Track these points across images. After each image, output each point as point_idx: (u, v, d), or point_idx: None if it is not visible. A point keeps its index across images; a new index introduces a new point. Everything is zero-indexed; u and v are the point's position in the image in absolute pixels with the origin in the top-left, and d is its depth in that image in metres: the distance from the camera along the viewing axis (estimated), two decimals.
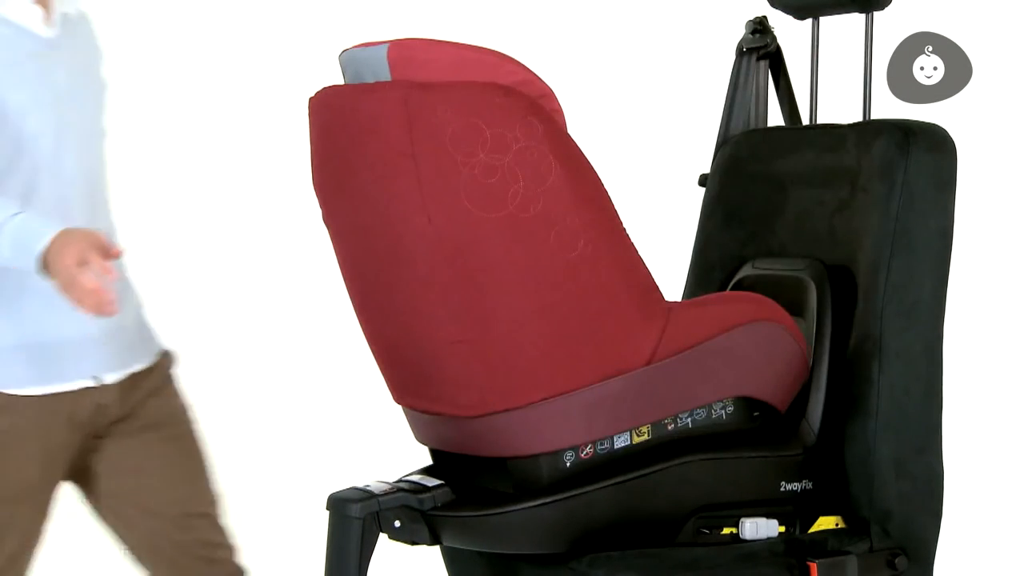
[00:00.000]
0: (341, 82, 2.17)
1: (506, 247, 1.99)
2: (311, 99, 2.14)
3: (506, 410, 2.06)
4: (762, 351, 2.19)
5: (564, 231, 2.00)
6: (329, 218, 2.16)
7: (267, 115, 4.11)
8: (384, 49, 2.02)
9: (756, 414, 2.21)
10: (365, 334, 2.20)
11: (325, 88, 2.09)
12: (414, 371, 2.13)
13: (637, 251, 2.10)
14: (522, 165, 1.97)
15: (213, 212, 4.35)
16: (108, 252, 2.05)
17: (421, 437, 2.22)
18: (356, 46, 2.09)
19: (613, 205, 2.07)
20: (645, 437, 2.12)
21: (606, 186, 2.09)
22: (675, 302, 2.16)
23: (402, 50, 2.01)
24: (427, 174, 1.98)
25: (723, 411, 2.18)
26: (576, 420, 2.06)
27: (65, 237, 2.06)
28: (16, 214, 2.12)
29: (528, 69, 2.01)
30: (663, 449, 2.13)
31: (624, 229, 2.08)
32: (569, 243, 2.01)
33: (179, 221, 4.40)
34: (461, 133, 1.96)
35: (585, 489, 2.08)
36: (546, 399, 2.05)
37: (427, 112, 1.96)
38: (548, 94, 2.02)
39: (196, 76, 4.27)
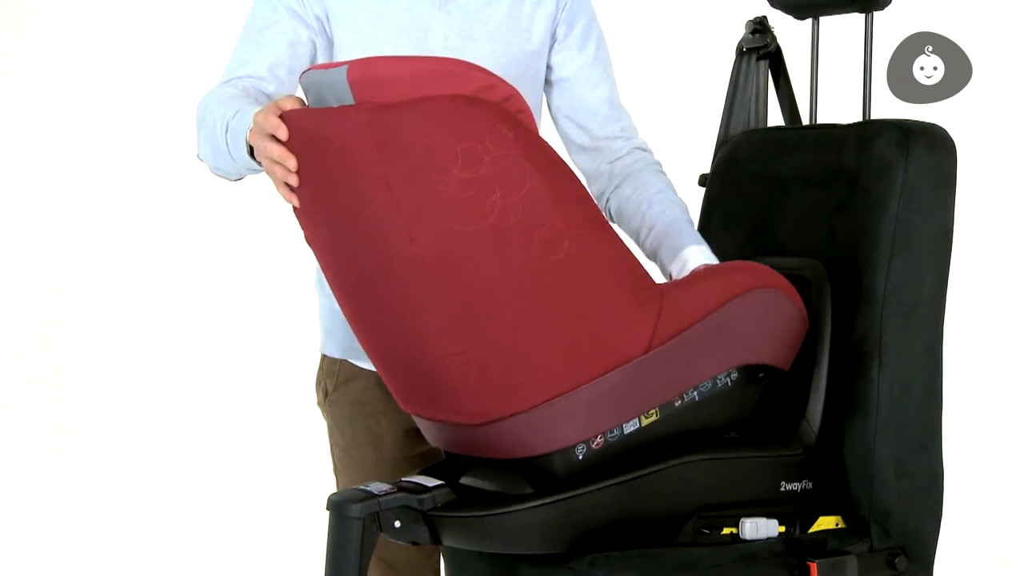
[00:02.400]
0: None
1: (492, 258, 1.98)
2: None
3: (510, 415, 2.05)
4: (760, 319, 2.19)
5: (548, 234, 1.99)
6: (312, 238, 2.14)
7: None
8: (343, 71, 1.97)
9: (761, 375, 2.20)
10: (362, 344, 2.19)
11: (293, 111, 2.04)
12: (414, 382, 2.13)
13: (622, 240, 2.08)
14: (497, 175, 1.95)
15: (211, 213, 4.35)
16: (281, 106, 2.03)
17: (431, 440, 2.22)
18: (315, 67, 2.05)
19: (592, 199, 2.05)
20: (654, 418, 2.12)
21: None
22: (666, 283, 2.16)
23: (362, 70, 1.96)
24: (402, 196, 1.96)
25: (728, 379, 2.17)
26: (581, 417, 2.06)
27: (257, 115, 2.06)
28: (238, 111, 2.15)
29: (490, 73, 1.97)
30: (667, 441, 2.13)
31: (606, 221, 2.07)
32: (554, 245, 1.99)
33: (178, 223, 4.40)
34: (431, 151, 1.93)
35: (585, 489, 2.08)
36: (548, 400, 2.04)
37: (395, 133, 1.93)
38: (513, 95, 1.99)
39: (192, 79, 4.27)
